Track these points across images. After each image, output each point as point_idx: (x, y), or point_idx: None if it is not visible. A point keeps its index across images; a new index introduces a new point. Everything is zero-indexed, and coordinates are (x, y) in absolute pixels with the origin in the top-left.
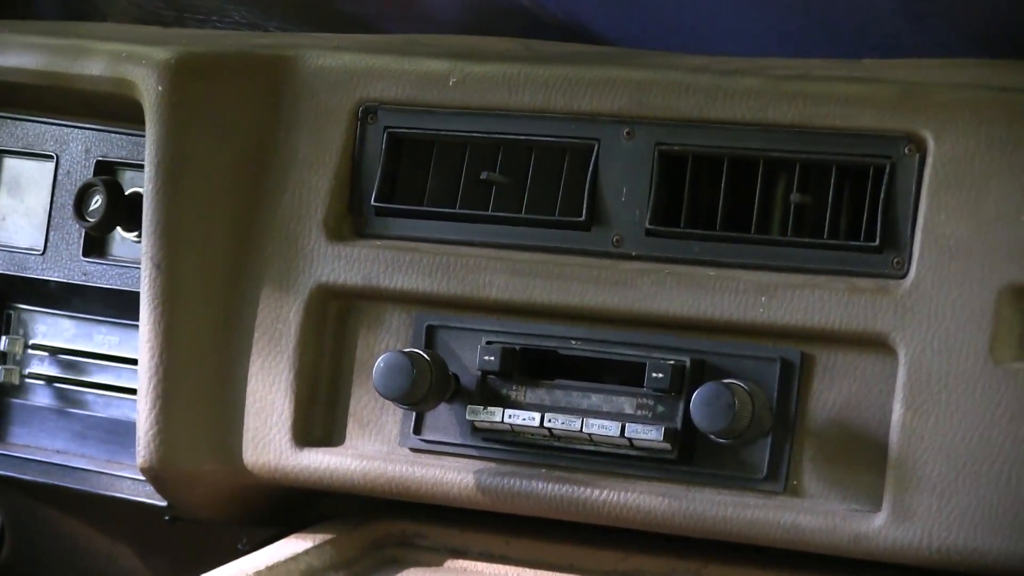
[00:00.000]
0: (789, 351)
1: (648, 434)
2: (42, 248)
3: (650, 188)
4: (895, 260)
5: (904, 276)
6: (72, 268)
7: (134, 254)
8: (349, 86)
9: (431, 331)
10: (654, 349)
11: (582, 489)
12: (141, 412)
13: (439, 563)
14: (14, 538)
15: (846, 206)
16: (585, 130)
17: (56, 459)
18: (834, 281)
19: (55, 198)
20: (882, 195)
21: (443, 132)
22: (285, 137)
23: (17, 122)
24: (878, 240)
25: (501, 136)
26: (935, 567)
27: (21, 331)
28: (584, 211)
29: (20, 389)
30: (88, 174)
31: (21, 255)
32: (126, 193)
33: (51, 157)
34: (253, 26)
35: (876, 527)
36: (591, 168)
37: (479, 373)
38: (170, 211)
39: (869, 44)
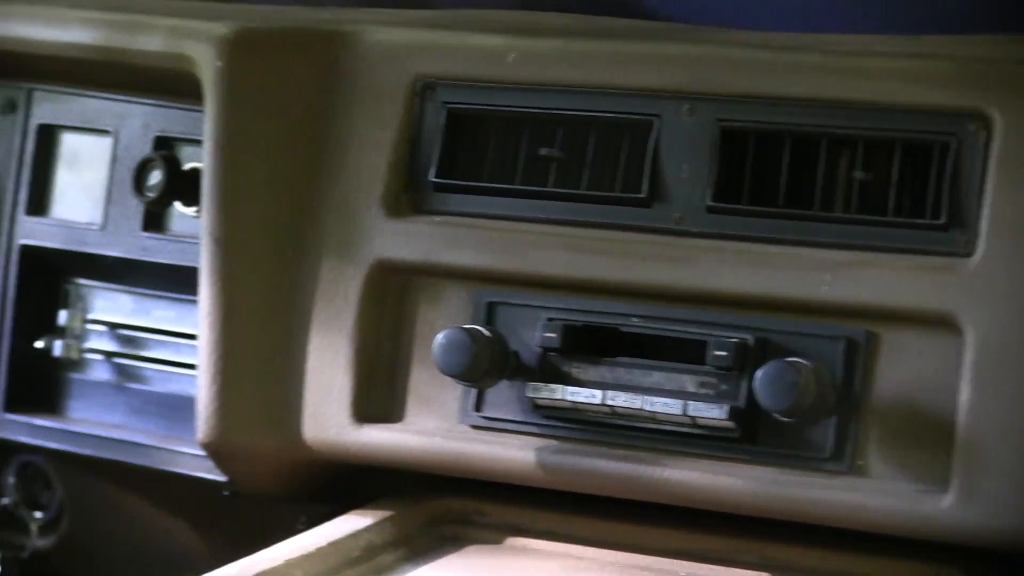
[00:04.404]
0: (854, 329)
1: (711, 412)
2: (101, 223)
3: (712, 165)
4: (961, 238)
5: (971, 254)
6: (131, 243)
7: (193, 229)
8: (407, 61)
9: (491, 308)
10: (716, 327)
11: (644, 467)
12: (201, 387)
13: (499, 541)
14: (73, 513)
15: (910, 183)
16: (645, 106)
17: (115, 434)
18: (899, 259)
19: (114, 173)
20: (948, 173)
21: (502, 108)
22: (343, 112)
23: (75, 97)
24: (944, 218)
25: (560, 112)
26: (1003, 549)
27: (80, 306)
28: (644, 188)
29: (79, 364)
30: (146, 149)
31: (80, 230)
32: (184, 168)
33: (109, 132)
34: (308, 1)
35: (943, 508)
36: (651, 144)
37: (540, 350)
38: (229, 186)
39: (928, 20)
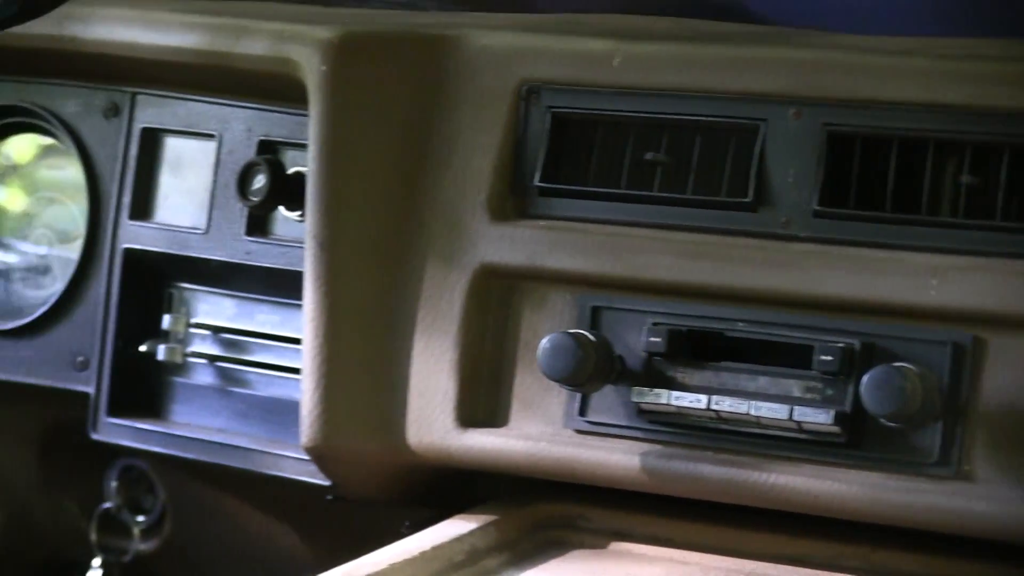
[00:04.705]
0: (961, 334)
1: (817, 417)
2: (205, 227)
3: (818, 169)
4: None
5: None
6: (235, 247)
7: (296, 233)
8: (512, 66)
9: (596, 312)
10: (822, 332)
11: (749, 472)
12: (305, 391)
13: (603, 545)
14: (175, 517)
15: (1018, 187)
16: (751, 110)
17: (218, 438)
18: (1007, 264)
19: (217, 177)
20: None
21: (607, 112)
22: (447, 117)
23: (179, 101)
24: None
25: (666, 116)
26: None
27: (183, 310)
28: (750, 192)
29: (182, 368)
30: (250, 153)
31: (184, 234)
32: (288, 172)
33: (213, 136)
34: (411, 5)
35: None
36: (757, 149)
37: (645, 354)
38: (334, 190)
39: None
